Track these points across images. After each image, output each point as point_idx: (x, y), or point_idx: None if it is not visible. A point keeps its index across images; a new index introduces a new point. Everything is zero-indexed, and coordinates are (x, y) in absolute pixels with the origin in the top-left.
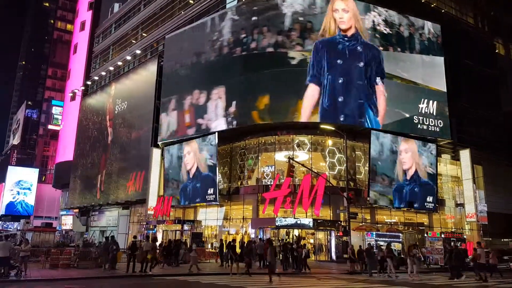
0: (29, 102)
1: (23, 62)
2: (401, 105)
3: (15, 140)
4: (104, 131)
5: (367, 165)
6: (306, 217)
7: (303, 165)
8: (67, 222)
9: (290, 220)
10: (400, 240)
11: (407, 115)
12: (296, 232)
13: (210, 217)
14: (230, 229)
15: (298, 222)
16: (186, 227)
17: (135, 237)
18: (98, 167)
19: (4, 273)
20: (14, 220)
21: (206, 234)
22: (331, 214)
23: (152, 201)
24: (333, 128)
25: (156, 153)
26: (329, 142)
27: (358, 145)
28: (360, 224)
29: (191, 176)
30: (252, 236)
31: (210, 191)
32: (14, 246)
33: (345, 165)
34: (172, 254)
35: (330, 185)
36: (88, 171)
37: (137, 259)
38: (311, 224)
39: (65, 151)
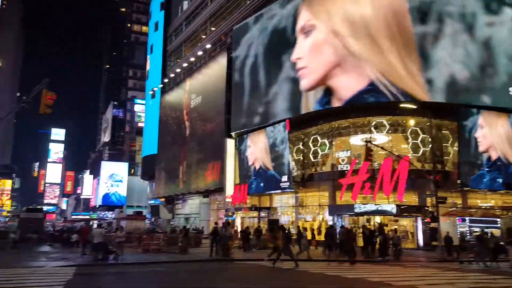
0: (115, 103)
1: (107, 66)
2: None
3: (105, 138)
4: (182, 125)
5: (456, 144)
6: (388, 203)
7: (382, 148)
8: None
9: (370, 207)
10: (498, 225)
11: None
12: (377, 219)
13: (285, 204)
14: (307, 216)
15: (379, 208)
16: (262, 214)
17: (216, 223)
18: (179, 159)
19: (103, 258)
20: (109, 210)
21: (282, 220)
22: (417, 199)
23: (229, 189)
24: (415, 106)
25: (230, 143)
26: (411, 122)
27: (444, 123)
28: (450, 209)
29: (256, 171)
30: (330, 223)
31: (284, 178)
32: (109, 233)
33: (430, 146)
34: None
35: (414, 168)
36: (170, 163)
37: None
38: (394, 210)
39: (150, 145)
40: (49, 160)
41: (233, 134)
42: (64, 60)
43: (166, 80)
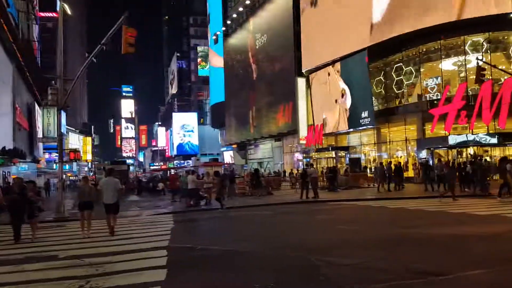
0: (178, 54)
1: (166, 17)
2: None
3: (173, 90)
4: (249, 68)
5: None
6: (488, 132)
7: (494, 66)
8: (228, 156)
9: (467, 137)
10: None
11: None
12: (470, 150)
13: (365, 142)
14: (390, 153)
15: (478, 138)
16: (340, 153)
17: (307, 165)
18: (248, 103)
19: (195, 203)
20: (185, 159)
21: (364, 159)
22: None
23: (303, 131)
24: None
25: (301, 82)
26: None
27: None
28: None
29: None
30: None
31: (364, 114)
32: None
33: None
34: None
35: None
36: (239, 108)
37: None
38: (495, 140)
39: (217, 93)
40: (122, 116)
41: (304, 71)
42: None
43: (228, 22)
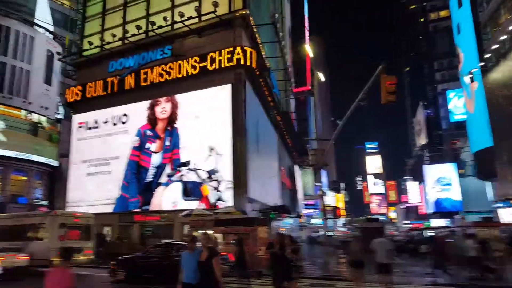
0: (423, 103)
1: (407, 69)
2: None
3: (421, 141)
4: None
5: None
6: None
7: None
8: (507, 214)
9: None
10: None
11: None
12: None
13: None
14: None
15: None
16: None
17: None
18: None
19: (481, 276)
20: (442, 217)
21: None
22: None
23: None
24: None
25: None
26: None
27: None
28: None
29: None
30: None
31: None
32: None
33: None
34: None
35: None
36: None
37: None
38: None
39: (478, 138)
40: (368, 172)
41: None
42: (362, 79)
43: (487, 56)
